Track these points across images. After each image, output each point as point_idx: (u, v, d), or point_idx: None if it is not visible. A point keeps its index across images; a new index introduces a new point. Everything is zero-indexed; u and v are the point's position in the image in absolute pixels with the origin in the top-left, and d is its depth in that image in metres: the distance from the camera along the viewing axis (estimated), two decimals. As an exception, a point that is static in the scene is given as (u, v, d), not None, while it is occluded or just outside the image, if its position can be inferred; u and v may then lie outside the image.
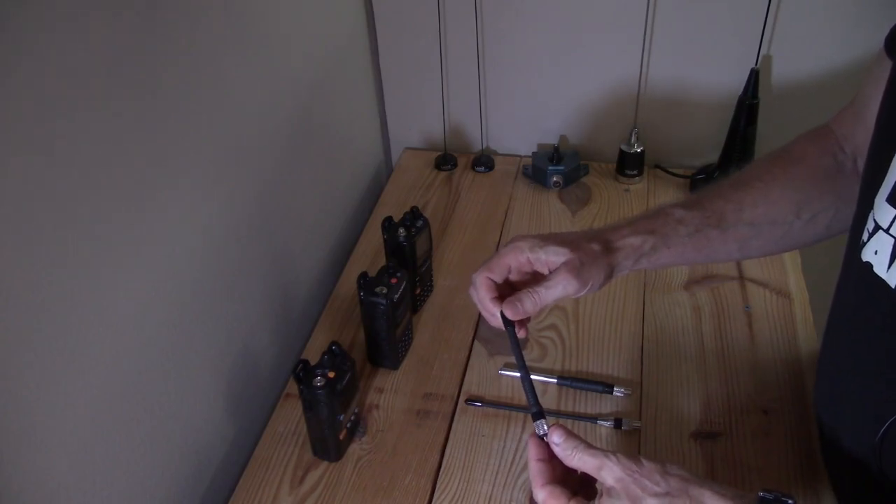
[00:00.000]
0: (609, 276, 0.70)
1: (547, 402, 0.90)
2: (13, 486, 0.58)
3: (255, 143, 0.92)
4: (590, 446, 0.59)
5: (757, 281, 1.04)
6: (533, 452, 0.60)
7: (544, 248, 0.68)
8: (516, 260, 0.69)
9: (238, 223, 0.88)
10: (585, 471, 0.59)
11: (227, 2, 0.82)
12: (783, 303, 1.01)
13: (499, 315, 0.68)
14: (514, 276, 0.71)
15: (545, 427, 0.61)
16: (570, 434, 0.60)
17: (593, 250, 0.69)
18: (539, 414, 0.62)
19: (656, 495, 0.55)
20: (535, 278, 0.70)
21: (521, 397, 0.91)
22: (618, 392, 0.90)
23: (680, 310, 1.01)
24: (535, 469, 0.60)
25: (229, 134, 0.85)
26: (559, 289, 0.67)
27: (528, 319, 0.70)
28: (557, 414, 0.88)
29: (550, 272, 0.68)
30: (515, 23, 1.20)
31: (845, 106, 0.76)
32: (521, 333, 0.69)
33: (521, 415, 0.89)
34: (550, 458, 0.60)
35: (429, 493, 0.82)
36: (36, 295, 0.58)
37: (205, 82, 0.79)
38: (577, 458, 0.59)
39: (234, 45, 0.85)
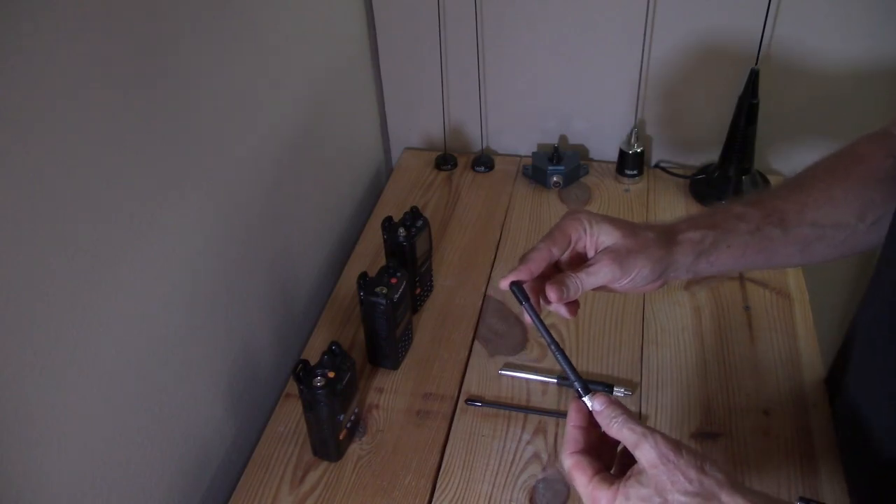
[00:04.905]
0: (661, 272, 0.65)
1: (547, 402, 0.90)
2: (13, 486, 0.58)
3: (256, 144, 0.92)
4: (632, 419, 0.55)
5: (757, 281, 1.04)
6: (572, 418, 0.58)
7: (599, 225, 0.65)
8: (576, 231, 0.65)
9: (238, 223, 0.88)
10: (625, 444, 0.56)
11: (228, 4, 0.82)
12: (783, 303, 1.01)
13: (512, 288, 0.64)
14: (565, 255, 0.66)
15: (591, 403, 0.58)
16: (612, 402, 0.57)
17: (646, 238, 0.65)
18: (586, 389, 0.58)
19: (686, 493, 0.51)
20: (581, 260, 0.66)
21: (521, 397, 0.91)
22: (618, 392, 0.90)
23: (680, 310, 1.01)
24: (570, 436, 0.57)
25: (229, 134, 0.85)
26: (600, 276, 0.63)
27: (575, 302, 0.66)
28: (558, 414, 0.88)
29: (596, 254, 0.65)
30: (515, 23, 1.20)
31: None
32: (571, 314, 0.65)
33: (521, 415, 0.89)
34: (589, 426, 0.57)
35: (429, 493, 0.82)
36: (36, 295, 0.58)
37: (206, 84, 0.79)
38: (616, 429, 0.55)
39: (235, 45, 0.85)
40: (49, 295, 0.60)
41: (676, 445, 0.53)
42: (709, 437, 0.85)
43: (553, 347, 0.61)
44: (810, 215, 0.69)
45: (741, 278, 1.05)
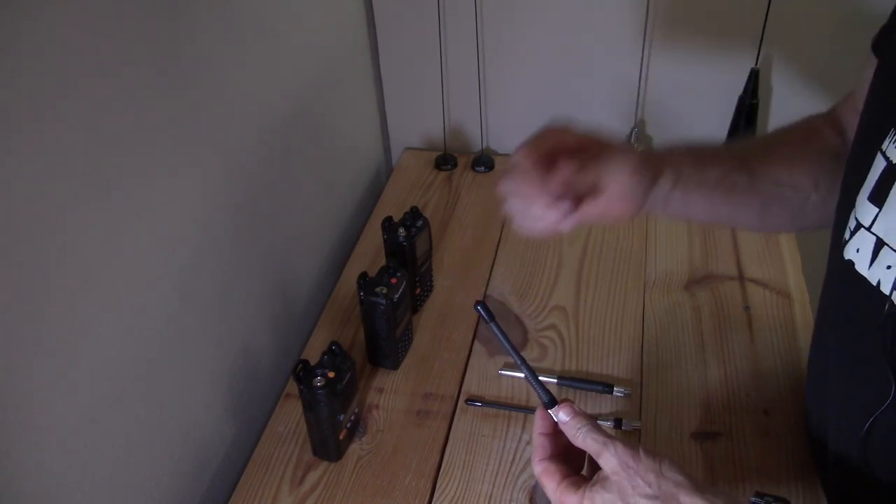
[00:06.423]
0: (651, 183, 0.66)
1: (547, 402, 0.90)
2: (13, 486, 0.58)
3: (256, 143, 0.92)
4: (595, 428, 0.58)
5: (757, 281, 1.04)
6: (538, 425, 0.61)
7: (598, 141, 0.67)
8: (561, 141, 0.67)
9: (238, 223, 0.88)
10: (589, 453, 0.58)
11: (228, 3, 0.82)
12: (783, 303, 1.01)
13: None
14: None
15: (558, 414, 0.60)
16: (577, 413, 0.59)
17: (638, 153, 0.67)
18: (552, 402, 0.61)
19: (647, 496, 0.54)
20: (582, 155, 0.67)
21: (521, 397, 0.91)
22: (618, 392, 0.90)
23: (680, 310, 1.01)
24: (537, 442, 0.60)
25: (229, 133, 0.85)
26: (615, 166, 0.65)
27: (578, 199, 0.65)
28: (557, 414, 0.88)
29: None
30: (515, 23, 1.20)
31: (847, 95, 0.76)
32: (567, 219, 0.65)
33: (521, 415, 0.89)
34: (555, 433, 0.60)
35: (429, 493, 0.82)
36: (35, 294, 0.58)
37: (205, 82, 0.79)
38: (581, 439, 0.58)
39: (235, 44, 0.85)
40: (47, 296, 0.60)
41: (635, 451, 0.56)
42: (709, 437, 0.85)
43: (519, 362, 0.63)
44: (773, 170, 0.71)
45: (741, 278, 1.05)
